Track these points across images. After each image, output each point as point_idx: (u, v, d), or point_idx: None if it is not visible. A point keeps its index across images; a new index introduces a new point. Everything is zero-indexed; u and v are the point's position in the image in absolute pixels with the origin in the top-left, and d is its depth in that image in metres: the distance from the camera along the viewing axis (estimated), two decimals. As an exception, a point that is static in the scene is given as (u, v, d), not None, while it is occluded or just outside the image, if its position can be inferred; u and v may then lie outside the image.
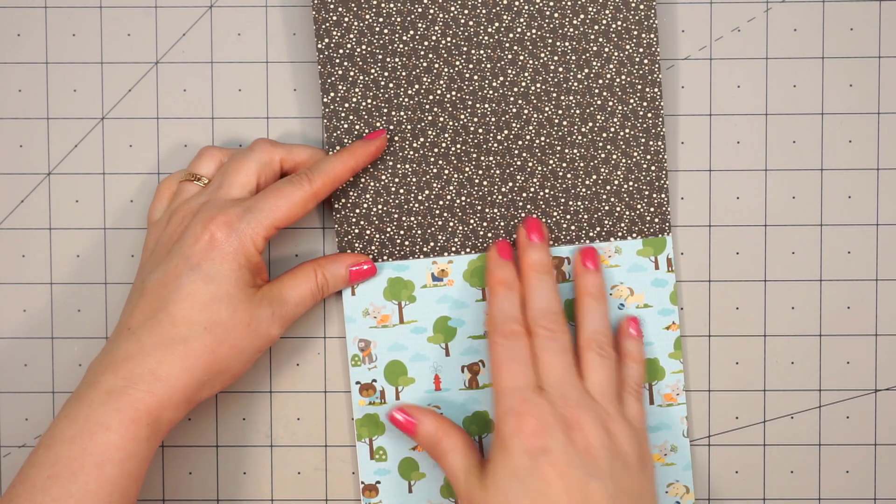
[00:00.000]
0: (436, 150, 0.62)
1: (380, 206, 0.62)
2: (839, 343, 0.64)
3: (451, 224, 0.62)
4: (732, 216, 0.64)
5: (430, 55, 0.62)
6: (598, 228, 0.63)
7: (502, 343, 0.59)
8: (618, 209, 0.62)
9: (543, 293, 0.60)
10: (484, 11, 0.61)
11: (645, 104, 0.62)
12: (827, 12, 0.64)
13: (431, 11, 0.61)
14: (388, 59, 0.62)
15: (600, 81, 0.62)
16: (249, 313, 0.57)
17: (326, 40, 0.61)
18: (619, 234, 0.63)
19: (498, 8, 0.61)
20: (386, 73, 0.62)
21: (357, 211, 0.62)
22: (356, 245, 0.62)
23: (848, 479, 0.65)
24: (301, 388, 0.65)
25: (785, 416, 0.65)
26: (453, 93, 0.62)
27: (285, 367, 0.65)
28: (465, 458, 0.59)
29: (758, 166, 0.64)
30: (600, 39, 0.62)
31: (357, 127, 0.62)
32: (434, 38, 0.62)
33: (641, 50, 0.62)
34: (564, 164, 0.62)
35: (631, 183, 0.62)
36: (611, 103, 0.62)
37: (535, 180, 0.62)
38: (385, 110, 0.62)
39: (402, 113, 0.62)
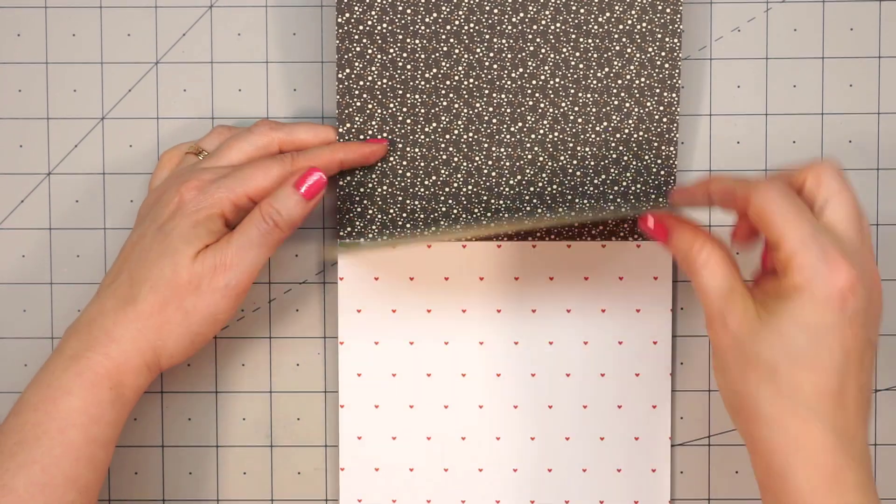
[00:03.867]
0: (447, 136, 0.62)
1: (385, 188, 0.62)
2: (839, 343, 0.64)
3: (455, 211, 0.62)
4: (732, 216, 0.64)
5: (451, 40, 0.61)
6: (600, 227, 0.63)
7: (773, 188, 0.52)
8: (623, 209, 0.62)
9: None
10: (510, 1, 0.61)
11: (662, 108, 0.62)
12: (827, 12, 0.64)
13: None
14: (407, 40, 0.61)
15: (619, 82, 0.62)
16: (189, 269, 0.55)
17: (347, 15, 0.61)
18: (621, 234, 0.63)
19: None
20: (405, 55, 0.61)
21: (361, 190, 0.62)
22: (357, 223, 0.62)
23: (848, 478, 0.65)
24: (301, 388, 0.65)
25: (785, 416, 0.65)
26: (471, 80, 0.62)
27: (284, 367, 0.65)
28: (725, 279, 0.53)
29: (758, 166, 0.64)
30: (623, 39, 0.61)
31: (370, 106, 0.62)
32: (457, 23, 0.61)
33: (664, 54, 0.61)
34: (575, 162, 0.62)
35: (639, 186, 0.62)
36: (627, 104, 0.62)
37: (544, 175, 0.62)
38: (400, 92, 0.62)
39: (416, 96, 0.62)
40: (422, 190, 0.62)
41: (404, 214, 0.62)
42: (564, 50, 0.61)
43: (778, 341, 0.51)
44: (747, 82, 0.64)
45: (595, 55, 0.61)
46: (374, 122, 0.62)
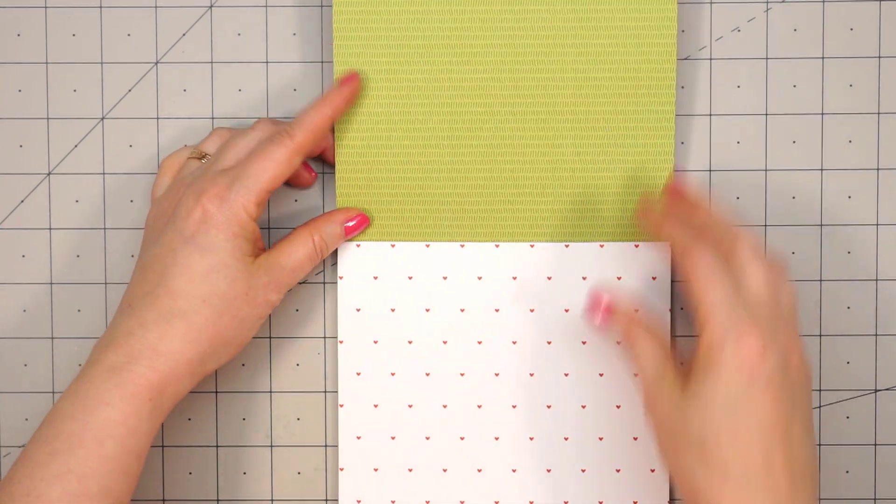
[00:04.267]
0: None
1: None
2: (839, 343, 0.64)
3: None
4: (733, 216, 0.64)
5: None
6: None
7: (703, 253, 0.54)
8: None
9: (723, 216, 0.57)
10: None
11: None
12: (827, 12, 0.64)
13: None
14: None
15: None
16: (247, 282, 0.57)
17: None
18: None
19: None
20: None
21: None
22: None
23: (848, 479, 0.64)
24: (301, 388, 0.65)
25: (785, 417, 0.65)
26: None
27: (285, 367, 0.65)
28: (653, 352, 0.56)
29: (758, 166, 0.64)
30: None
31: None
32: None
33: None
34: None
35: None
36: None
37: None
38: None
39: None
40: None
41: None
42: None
43: (699, 418, 0.53)
44: (747, 82, 0.64)
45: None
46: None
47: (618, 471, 0.63)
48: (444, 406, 0.63)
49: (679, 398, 0.54)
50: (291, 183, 0.64)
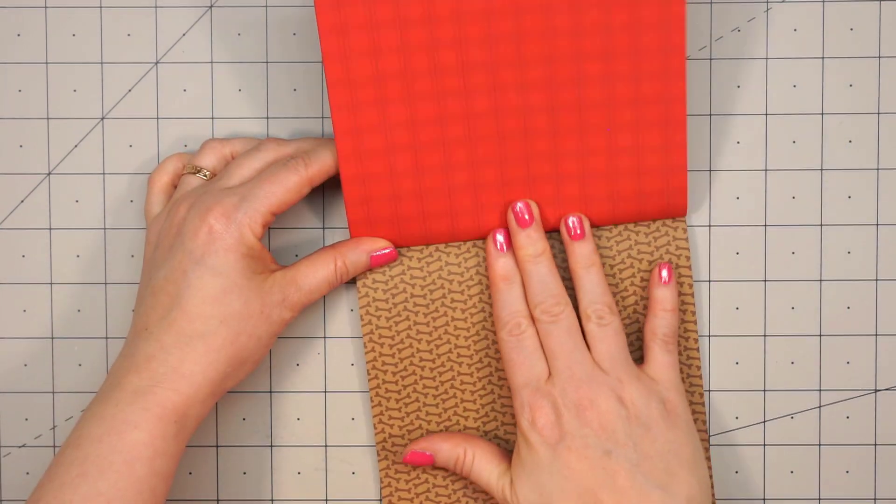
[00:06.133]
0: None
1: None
2: (839, 343, 0.64)
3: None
4: (732, 216, 0.64)
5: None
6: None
7: (508, 340, 0.59)
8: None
9: (540, 278, 0.60)
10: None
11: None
12: (827, 12, 0.64)
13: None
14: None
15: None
16: (261, 301, 0.57)
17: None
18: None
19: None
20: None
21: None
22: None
23: (848, 479, 0.65)
24: (301, 388, 0.65)
25: (785, 416, 0.65)
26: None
27: (285, 367, 0.65)
28: (490, 464, 0.60)
29: (758, 166, 0.64)
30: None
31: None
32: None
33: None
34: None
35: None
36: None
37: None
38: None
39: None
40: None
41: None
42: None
43: (530, 495, 0.58)
44: (747, 82, 0.64)
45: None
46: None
47: None
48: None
49: (511, 487, 0.59)
50: None
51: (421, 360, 0.63)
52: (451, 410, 0.63)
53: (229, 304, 0.57)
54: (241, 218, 0.57)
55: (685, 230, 0.63)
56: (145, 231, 0.61)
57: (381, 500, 0.63)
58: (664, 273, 0.61)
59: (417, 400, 0.63)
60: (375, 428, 0.63)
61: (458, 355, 0.63)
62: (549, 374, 0.59)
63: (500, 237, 0.61)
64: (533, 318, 0.60)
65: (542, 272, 0.60)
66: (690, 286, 0.63)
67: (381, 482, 0.63)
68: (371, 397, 0.63)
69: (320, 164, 0.59)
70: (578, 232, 0.61)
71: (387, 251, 0.62)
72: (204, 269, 0.56)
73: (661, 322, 0.61)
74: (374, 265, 0.62)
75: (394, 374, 0.63)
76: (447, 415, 0.63)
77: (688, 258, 0.63)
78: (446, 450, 0.61)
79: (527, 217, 0.61)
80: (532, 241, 0.61)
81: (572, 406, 0.57)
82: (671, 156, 0.61)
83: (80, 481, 0.54)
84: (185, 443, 0.57)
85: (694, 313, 0.63)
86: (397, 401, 0.63)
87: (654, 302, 0.61)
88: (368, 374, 0.63)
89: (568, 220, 0.61)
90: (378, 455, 0.63)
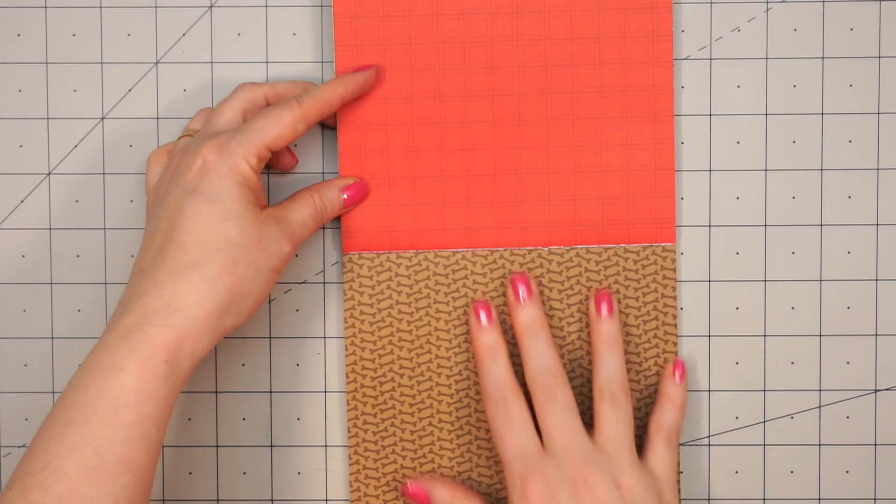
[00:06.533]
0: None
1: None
2: (839, 343, 0.64)
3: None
4: (732, 216, 0.64)
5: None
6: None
7: (496, 413, 0.59)
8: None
9: (538, 354, 0.59)
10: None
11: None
12: (827, 12, 0.64)
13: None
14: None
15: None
16: (258, 230, 0.56)
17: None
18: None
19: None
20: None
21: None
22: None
23: (848, 479, 0.65)
24: (301, 388, 0.65)
25: (785, 416, 0.65)
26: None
27: (285, 367, 0.65)
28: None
29: (758, 166, 0.64)
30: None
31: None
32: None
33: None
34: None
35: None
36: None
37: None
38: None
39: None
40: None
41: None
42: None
43: None
44: (747, 82, 0.64)
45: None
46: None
47: None
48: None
49: None
50: (273, 166, 0.64)
51: (401, 367, 0.63)
52: (426, 420, 0.63)
53: (226, 230, 0.55)
54: (235, 148, 0.56)
55: (674, 260, 0.63)
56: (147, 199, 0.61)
57: (350, 502, 0.64)
58: (603, 307, 0.61)
59: (393, 407, 0.63)
60: (349, 431, 0.63)
61: (439, 366, 0.63)
62: (542, 446, 0.58)
63: (482, 313, 0.61)
64: (525, 386, 0.59)
65: (541, 348, 0.59)
66: (674, 316, 0.63)
67: (351, 486, 0.63)
68: (348, 400, 0.63)
69: (313, 100, 0.58)
70: (607, 311, 0.61)
71: (357, 185, 0.61)
72: (198, 197, 0.55)
73: (668, 417, 0.60)
74: (349, 204, 0.61)
75: (372, 378, 0.63)
76: (422, 424, 0.63)
77: (673, 288, 0.63)
78: (440, 498, 0.61)
79: (525, 288, 0.61)
80: (532, 313, 0.60)
81: (568, 483, 0.56)
82: (660, 181, 0.62)
83: (66, 431, 0.52)
84: (178, 386, 0.54)
85: (675, 343, 0.63)
86: (374, 406, 0.63)
87: (662, 396, 0.61)
88: (347, 377, 0.63)
89: (599, 297, 0.61)
90: (350, 459, 0.63)
